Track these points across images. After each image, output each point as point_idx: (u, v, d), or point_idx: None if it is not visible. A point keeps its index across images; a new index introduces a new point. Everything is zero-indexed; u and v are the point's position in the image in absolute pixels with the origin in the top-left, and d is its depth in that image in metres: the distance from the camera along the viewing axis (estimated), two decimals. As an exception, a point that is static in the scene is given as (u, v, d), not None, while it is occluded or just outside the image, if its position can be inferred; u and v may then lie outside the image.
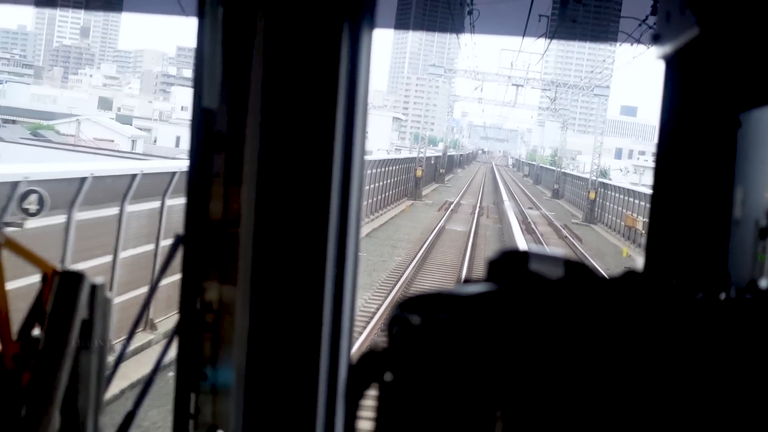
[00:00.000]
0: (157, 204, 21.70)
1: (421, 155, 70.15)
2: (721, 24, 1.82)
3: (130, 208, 20.21)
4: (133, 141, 76.37)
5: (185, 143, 22.92)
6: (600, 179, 66.29)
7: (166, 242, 21.13)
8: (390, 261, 35.73)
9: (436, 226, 47.33)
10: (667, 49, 2.03)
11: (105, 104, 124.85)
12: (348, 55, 2.44)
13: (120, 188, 19.72)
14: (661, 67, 2.08)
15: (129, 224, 20.34)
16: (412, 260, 35.43)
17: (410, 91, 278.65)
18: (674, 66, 2.02)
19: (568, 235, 49.98)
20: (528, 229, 49.09)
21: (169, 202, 21.86)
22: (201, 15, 2.51)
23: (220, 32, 2.50)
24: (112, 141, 70.32)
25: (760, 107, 1.83)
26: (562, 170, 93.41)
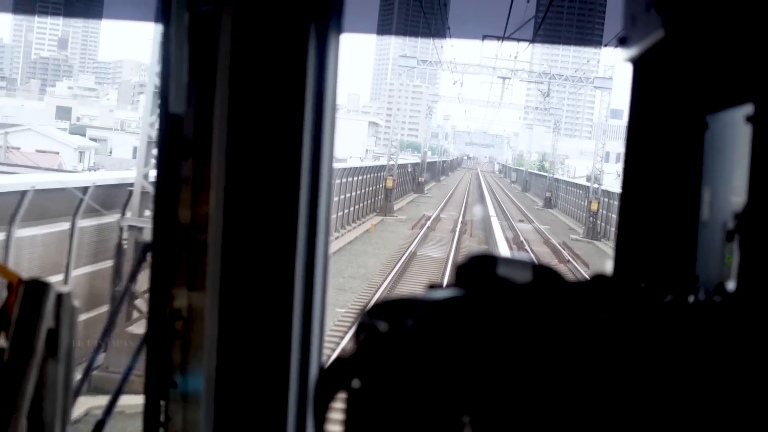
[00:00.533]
0: (60, 227, 17.34)
1: (392, 163, 59.98)
2: (686, 26, 1.81)
3: (20, 232, 16.01)
4: (81, 153, 71.45)
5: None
6: (598, 186, 55.12)
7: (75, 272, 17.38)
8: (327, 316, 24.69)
9: (405, 251, 36.36)
10: (633, 51, 2.03)
11: (63, 114, 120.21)
12: (315, 59, 2.43)
13: (7, 206, 15.72)
14: (628, 69, 2.07)
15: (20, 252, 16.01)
16: (360, 313, 25.07)
17: (393, 96, 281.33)
18: (641, 68, 2.02)
19: (570, 258, 39.51)
20: (520, 249, 39.94)
21: (81, 223, 17.72)
22: (166, 20, 2.48)
23: (185, 37, 2.48)
24: (57, 153, 64.21)
25: (726, 109, 1.82)
26: (554, 176, 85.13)
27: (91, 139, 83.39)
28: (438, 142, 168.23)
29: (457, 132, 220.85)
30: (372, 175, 52.39)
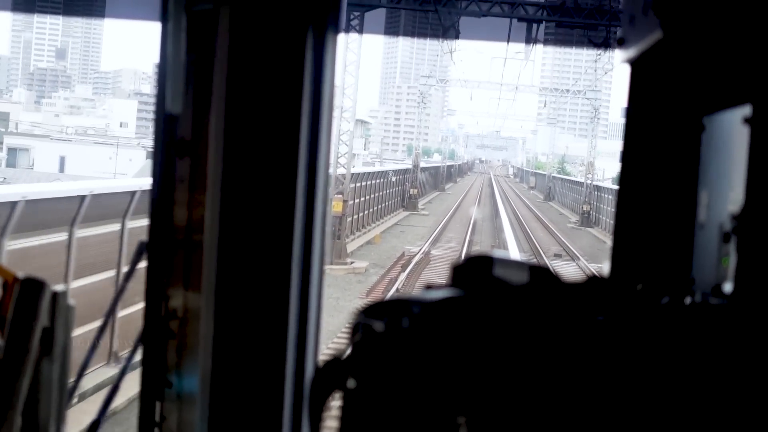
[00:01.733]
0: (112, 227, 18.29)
1: (344, 171, 38.61)
2: (684, 27, 1.80)
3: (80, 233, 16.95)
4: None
5: (74, 166, 20.02)
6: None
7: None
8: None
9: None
10: (631, 52, 2.02)
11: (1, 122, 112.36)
12: (312, 60, 2.42)
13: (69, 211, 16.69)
14: (626, 70, 2.06)
15: None
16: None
17: (401, 100, 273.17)
18: (639, 69, 2.01)
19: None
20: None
21: (129, 224, 18.61)
22: (164, 20, 2.48)
23: (183, 37, 2.47)
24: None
25: (724, 110, 1.82)
26: (593, 182, 64.32)
27: (10, 148, 73.62)
28: (449, 145, 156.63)
29: (470, 136, 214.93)
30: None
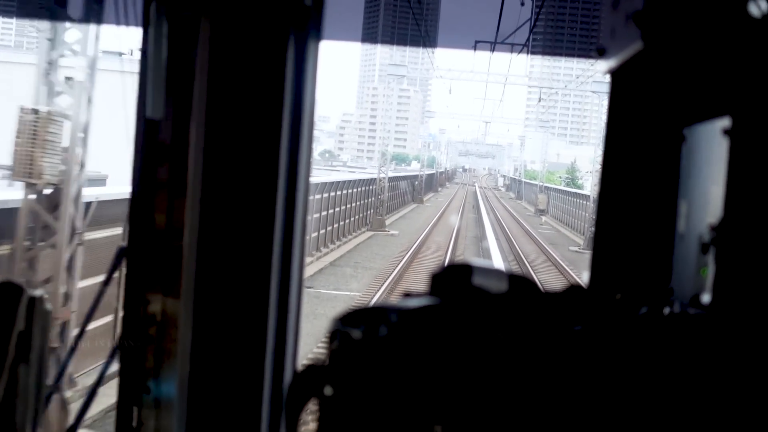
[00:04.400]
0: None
1: None
2: (665, 39, 1.81)
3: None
4: None
5: None
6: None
7: None
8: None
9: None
10: (612, 63, 2.03)
11: None
12: (294, 66, 2.42)
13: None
14: (606, 80, 2.07)
15: None
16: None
17: (378, 102, 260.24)
18: (619, 80, 2.02)
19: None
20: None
21: None
22: (145, 25, 2.48)
23: (165, 42, 2.47)
24: None
25: (703, 122, 1.83)
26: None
27: None
28: (429, 152, 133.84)
29: (452, 142, 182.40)
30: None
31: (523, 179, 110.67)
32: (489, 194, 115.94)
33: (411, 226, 52.21)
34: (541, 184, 79.38)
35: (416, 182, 78.38)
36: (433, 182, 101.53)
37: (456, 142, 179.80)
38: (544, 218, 69.55)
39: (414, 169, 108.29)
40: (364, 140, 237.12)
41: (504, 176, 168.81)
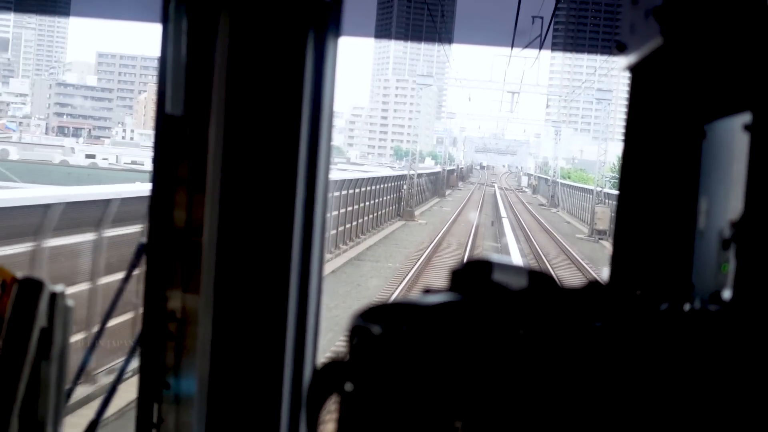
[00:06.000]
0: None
1: None
2: (685, 34, 1.81)
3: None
4: None
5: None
6: None
7: None
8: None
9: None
10: (632, 59, 2.03)
11: None
12: (313, 63, 2.43)
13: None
14: (626, 77, 2.07)
15: None
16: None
17: (389, 95, 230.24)
18: (639, 76, 2.01)
19: None
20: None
21: None
22: (165, 21, 2.48)
23: (184, 39, 2.47)
24: None
25: (724, 118, 1.82)
26: None
27: None
28: (444, 148, 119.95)
29: (470, 138, 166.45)
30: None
31: (558, 179, 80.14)
32: (512, 198, 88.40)
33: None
34: (597, 188, 51.96)
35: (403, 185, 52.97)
36: (437, 184, 76.14)
37: (475, 139, 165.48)
38: (596, 239, 45.05)
39: (427, 166, 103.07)
40: (375, 135, 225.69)
41: (529, 175, 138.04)
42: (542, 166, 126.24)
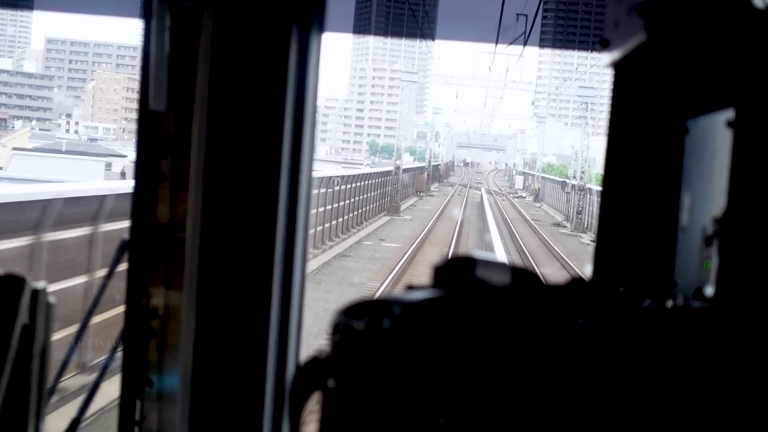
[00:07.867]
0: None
1: None
2: (668, 30, 1.81)
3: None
4: None
5: None
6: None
7: None
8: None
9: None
10: (615, 55, 2.03)
11: None
12: (296, 59, 2.42)
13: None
14: (609, 73, 2.07)
15: None
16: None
17: (366, 86, 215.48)
18: (623, 72, 2.02)
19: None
20: None
21: None
22: (147, 16, 2.47)
23: (167, 35, 2.46)
24: None
25: (707, 114, 1.83)
26: None
27: None
28: (425, 143, 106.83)
29: (453, 132, 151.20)
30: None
31: (594, 185, 50.93)
32: (508, 211, 60.12)
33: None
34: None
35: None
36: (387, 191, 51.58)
37: (459, 132, 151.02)
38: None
39: (404, 162, 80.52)
40: (351, 129, 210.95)
41: (526, 174, 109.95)
42: (530, 162, 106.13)
